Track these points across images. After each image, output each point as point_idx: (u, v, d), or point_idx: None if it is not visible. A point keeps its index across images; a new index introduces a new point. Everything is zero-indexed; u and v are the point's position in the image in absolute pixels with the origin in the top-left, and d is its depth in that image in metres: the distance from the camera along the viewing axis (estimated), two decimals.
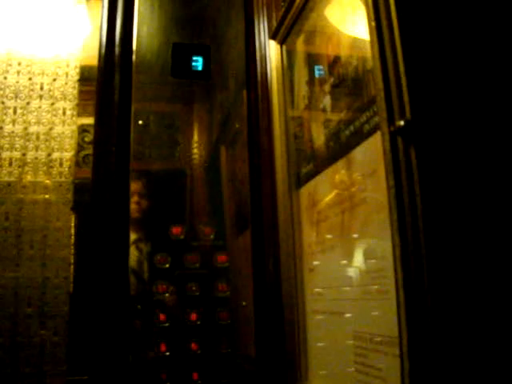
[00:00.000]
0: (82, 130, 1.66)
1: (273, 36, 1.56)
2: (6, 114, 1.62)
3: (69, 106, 1.66)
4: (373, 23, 0.83)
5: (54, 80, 1.67)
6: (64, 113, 1.65)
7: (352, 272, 1.03)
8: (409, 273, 0.69)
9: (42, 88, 1.66)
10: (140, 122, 1.55)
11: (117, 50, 1.59)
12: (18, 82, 1.65)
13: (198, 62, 1.63)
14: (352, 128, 1.05)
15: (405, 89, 0.74)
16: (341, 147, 1.10)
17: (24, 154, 1.60)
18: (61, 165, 1.60)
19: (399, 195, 0.72)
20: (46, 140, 1.62)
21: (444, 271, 0.67)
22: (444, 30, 0.78)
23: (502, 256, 0.70)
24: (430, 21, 0.78)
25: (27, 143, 1.60)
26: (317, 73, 1.30)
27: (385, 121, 0.77)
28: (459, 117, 0.74)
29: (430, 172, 0.70)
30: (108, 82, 1.56)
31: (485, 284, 0.68)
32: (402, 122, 0.73)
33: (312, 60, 1.36)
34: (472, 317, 0.66)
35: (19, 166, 1.58)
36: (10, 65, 1.66)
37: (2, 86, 1.64)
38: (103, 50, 1.58)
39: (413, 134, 0.72)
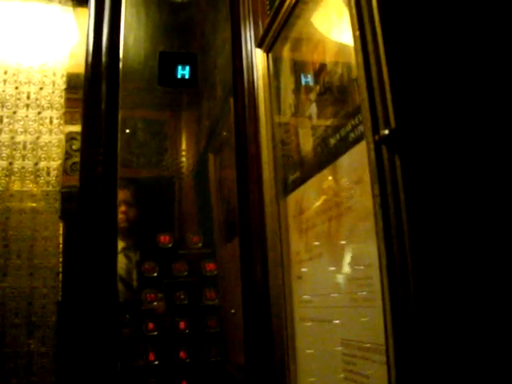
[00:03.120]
0: (70, 137, 1.65)
1: (259, 44, 1.56)
2: None
3: (56, 114, 1.65)
4: (357, 32, 0.83)
5: (41, 89, 1.67)
6: (51, 122, 1.65)
7: (339, 279, 1.03)
8: (394, 281, 0.69)
9: (28, 97, 1.66)
10: (127, 130, 1.54)
11: (103, 58, 1.59)
12: (4, 91, 1.64)
13: (185, 71, 1.63)
14: (338, 136, 1.05)
15: (389, 98, 0.75)
16: (327, 155, 1.11)
17: (11, 163, 1.59)
18: (48, 174, 1.60)
19: (384, 203, 0.73)
20: (33, 149, 1.61)
21: (430, 279, 0.67)
22: (428, 39, 0.79)
23: (487, 264, 0.70)
24: (414, 30, 0.79)
25: (14, 152, 1.60)
26: (303, 81, 1.31)
27: (369, 130, 0.78)
28: (444, 125, 0.75)
29: (415, 180, 0.71)
30: (95, 90, 1.56)
31: (471, 292, 0.68)
32: (386, 131, 0.73)
33: (298, 68, 1.36)
34: (458, 324, 0.67)
35: (6, 176, 1.58)
36: None
37: None
38: (90, 59, 1.58)
39: (397, 143, 0.73)
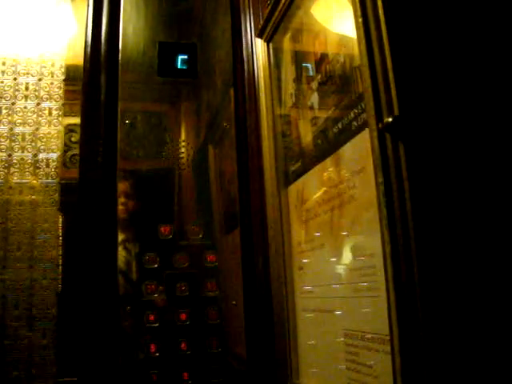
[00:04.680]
0: (69, 129, 1.64)
1: (259, 34, 1.55)
2: None
3: (55, 106, 1.64)
4: (360, 19, 0.82)
5: (40, 80, 1.66)
6: (50, 113, 1.63)
7: (342, 269, 1.03)
8: (399, 270, 0.69)
9: (27, 88, 1.64)
10: (127, 122, 1.54)
11: (102, 49, 1.58)
12: (2, 82, 1.63)
13: (185, 61, 1.62)
14: (340, 125, 1.04)
15: (392, 85, 0.74)
16: (329, 145, 1.10)
17: (10, 155, 1.58)
18: (47, 165, 1.59)
19: (388, 192, 0.72)
20: (32, 141, 1.60)
21: (434, 268, 0.66)
22: (431, 26, 0.78)
23: (492, 252, 0.70)
24: (417, 17, 0.78)
25: (13, 144, 1.59)
26: (304, 70, 1.30)
27: (373, 117, 0.77)
28: (447, 112, 0.74)
29: (419, 168, 0.70)
30: (94, 81, 1.55)
31: (475, 280, 0.68)
32: (390, 119, 0.73)
33: (299, 57, 1.35)
34: (463, 313, 0.66)
35: (5, 167, 1.57)
36: None
37: None
38: (89, 49, 1.57)
39: (401, 131, 0.72)
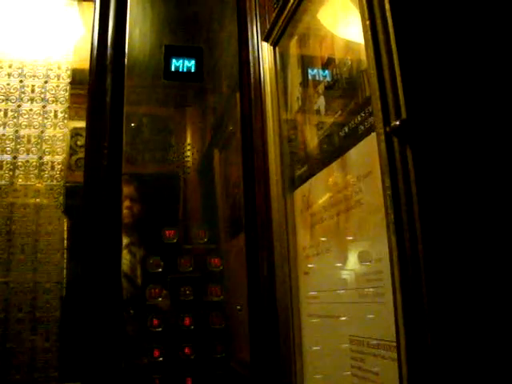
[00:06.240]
0: (75, 133, 1.65)
1: (266, 38, 1.54)
2: None
3: (60, 108, 1.64)
4: (367, 22, 0.82)
5: (46, 82, 1.66)
6: (55, 115, 1.64)
7: (347, 275, 1.02)
8: (406, 275, 0.68)
9: (33, 90, 1.65)
10: (132, 125, 1.53)
11: (109, 52, 1.58)
12: (8, 85, 1.63)
13: (191, 64, 1.62)
14: (346, 129, 1.04)
15: (400, 88, 0.73)
16: (335, 149, 1.09)
17: (15, 157, 1.58)
18: (52, 168, 1.59)
19: (396, 196, 0.71)
20: (38, 143, 1.60)
21: (442, 273, 0.66)
22: (439, 29, 0.77)
23: (500, 257, 0.69)
24: (425, 19, 0.77)
25: (18, 146, 1.59)
26: (310, 74, 1.29)
27: (380, 121, 0.76)
28: (455, 116, 0.73)
29: (427, 172, 0.69)
30: (100, 84, 1.55)
31: (485, 285, 0.67)
32: (397, 122, 0.72)
33: (305, 61, 1.35)
34: (471, 320, 0.65)
35: (10, 170, 1.57)
36: (1, 67, 1.65)
37: None
38: (95, 53, 1.57)
39: (409, 134, 0.71)
